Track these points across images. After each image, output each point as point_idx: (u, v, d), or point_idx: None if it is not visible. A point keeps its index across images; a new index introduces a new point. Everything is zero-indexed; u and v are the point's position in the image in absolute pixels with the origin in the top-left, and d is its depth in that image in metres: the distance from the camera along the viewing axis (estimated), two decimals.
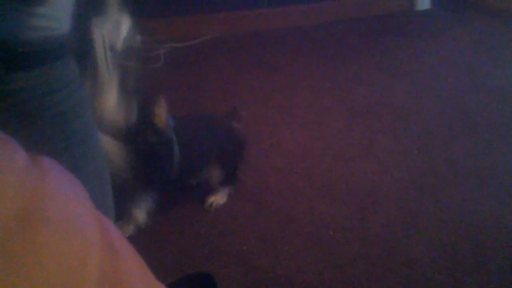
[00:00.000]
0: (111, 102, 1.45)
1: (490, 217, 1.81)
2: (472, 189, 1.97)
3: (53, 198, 0.34)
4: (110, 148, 1.43)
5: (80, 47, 1.00)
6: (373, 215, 1.81)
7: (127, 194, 1.61)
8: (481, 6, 4.22)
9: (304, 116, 2.50)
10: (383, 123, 2.45)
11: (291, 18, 3.78)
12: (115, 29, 2.71)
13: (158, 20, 3.26)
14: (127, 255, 0.40)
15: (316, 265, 1.59)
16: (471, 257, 1.64)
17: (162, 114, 1.54)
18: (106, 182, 0.90)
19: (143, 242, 1.65)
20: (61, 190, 0.37)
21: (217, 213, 1.80)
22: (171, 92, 2.64)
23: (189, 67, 3.03)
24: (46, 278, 0.28)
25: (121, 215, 1.63)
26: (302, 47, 3.45)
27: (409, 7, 4.20)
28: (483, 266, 1.60)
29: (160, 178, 1.65)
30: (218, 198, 1.84)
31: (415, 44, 3.55)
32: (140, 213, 1.64)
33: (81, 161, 0.79)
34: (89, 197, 0.41)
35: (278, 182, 1.98)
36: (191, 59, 3.14)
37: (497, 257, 1.63)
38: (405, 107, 2.60)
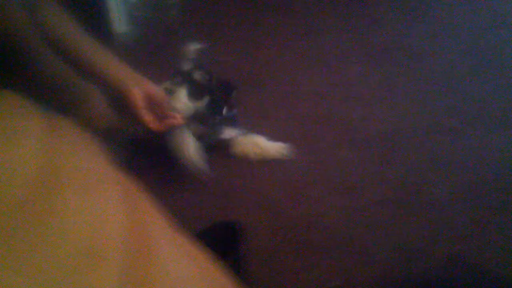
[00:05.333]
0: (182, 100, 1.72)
1: None
2: (493, 129, 1.96)
3: (70, 158, 0.34)
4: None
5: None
6: (394, 159, 1.83)
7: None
8: None
9: (321, 60, 2.46)
10: (402, 66, 2.41)
11: None
12: None
13: None
14: (147, 207, 0.41)
15: (340, 209, 1.63)
16: (493, 198, 1.66)
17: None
18: None
19: (167, 192, 1.68)
20: (78, 148, 0.37)
21: (241, 162, 1.82)
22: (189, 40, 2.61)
23: (206, 13, 2.97)
24: (69, 237, 0.28)
25: None
26: None
27: None
28: (506, 206, 1.62)
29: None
30: None
31: None
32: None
33: None
34: (107, 153, 0.41)
35: (298, 128, 1.98)
36: (207, 4, 3.08)
37: None
38: (424, 48, 2.55)
